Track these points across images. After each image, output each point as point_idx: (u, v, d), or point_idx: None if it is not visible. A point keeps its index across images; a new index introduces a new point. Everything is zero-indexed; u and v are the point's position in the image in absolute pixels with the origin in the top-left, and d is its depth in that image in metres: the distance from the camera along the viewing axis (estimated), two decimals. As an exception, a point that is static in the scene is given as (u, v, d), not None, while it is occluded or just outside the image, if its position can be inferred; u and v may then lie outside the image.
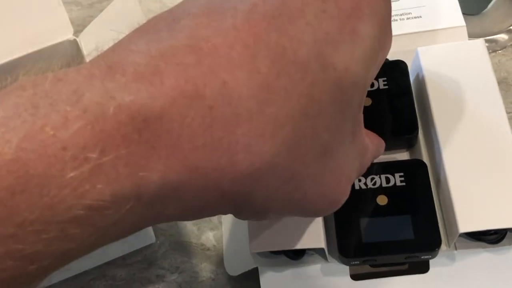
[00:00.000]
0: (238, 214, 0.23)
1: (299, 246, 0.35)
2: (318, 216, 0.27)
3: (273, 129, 0.20)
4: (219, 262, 0.41)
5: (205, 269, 0.41)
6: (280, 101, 0.20)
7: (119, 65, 0.19)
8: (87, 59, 0.39)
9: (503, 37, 0.47)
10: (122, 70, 0.19)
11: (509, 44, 0.47)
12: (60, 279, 0.42)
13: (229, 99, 0.19)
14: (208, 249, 0.42)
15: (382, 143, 0.35)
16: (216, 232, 0.42)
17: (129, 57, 0.19)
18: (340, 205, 0.27)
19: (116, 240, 0.21)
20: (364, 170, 0.30)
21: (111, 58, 0.19)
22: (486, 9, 0.49)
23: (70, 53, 0.43)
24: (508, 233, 0.35)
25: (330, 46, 0.21)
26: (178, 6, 0.21)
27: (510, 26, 0.47)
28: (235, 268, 0.39)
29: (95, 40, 0.41)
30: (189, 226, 0.43)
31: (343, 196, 0.26)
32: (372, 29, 0.23)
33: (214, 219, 0.43)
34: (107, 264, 0.42)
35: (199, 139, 0.19)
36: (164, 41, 0.19)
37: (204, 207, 0.21)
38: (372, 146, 0.31)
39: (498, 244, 0.35)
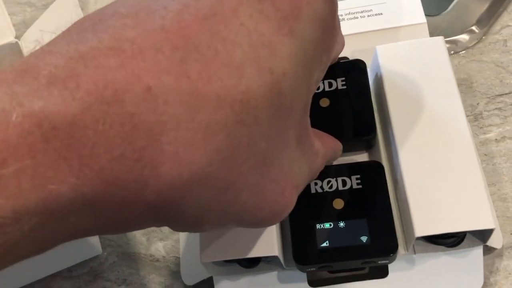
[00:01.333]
0: (171, 226, 0.23)
1: (252, 254, 0.35)
2: (260, 227, 0.25)
3: (204, 137, 0.19)
4: (168, 274, 0.41)
5: (153, 281, 0.41)
6: (211, 107, 0.19)
7: (34, 68, 0.18)
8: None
9: (464, 37, 0.48)
10: (36, 72, 0.18)
11: (470, 45, 0.48)
12: (-2, 293, 0.41)
13: (154, 105, 0.18)
14: (157, 260, 0.41)
15: (338, 145, 0.35)
16: (166, 243, 0.42)
17: (47, 59, 0.18)
18: (285, 215, 0.25)
19: (29, 257, 0.20)
20: (315, 175, 0.30)
21: (28, 61, 0.18)
22: (446, 10, 0.50)
23: (11, 56, 0.43)
24: (468, 235, 0.35)
25: (266, 48, 0.20)
26: (107, 6, 0.20)
27: (471, 27, 0.48)
28: (191, 277, 0.39)
29: (34, 43, 0.41)
30: (138, 237, 0.42)
31: (288, 206, 0.25)
32: (312, 30, 0.22)
33: (165, 229, 0.42)
34: (52, 276, 0.41)
35: (118, 148, 0.18)
36: (87, 43, 0.19)
37: (128, 220, 0.20)
38: (325, 149, 0.30)
39: (457, 247, 0.35)
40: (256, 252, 0.35)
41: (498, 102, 0.44)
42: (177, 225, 0.22)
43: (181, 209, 0.20)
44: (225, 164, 0.20)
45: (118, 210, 0.19)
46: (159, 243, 0.42)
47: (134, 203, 0.19)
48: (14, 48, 0.42)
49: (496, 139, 0.43)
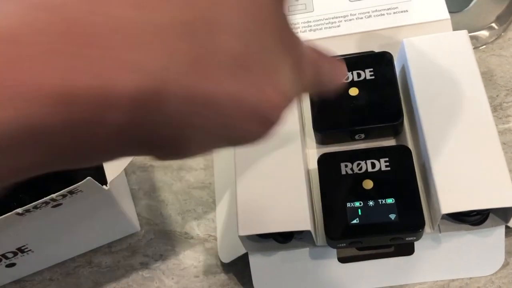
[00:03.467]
0: (151, 153, 0.20)
1: (287, 228, 0.38)
2: (251, 142, 0.22)
3: (167, 41, 0.17)
4: (202, 250, 0.43)
5: (188, 257, 0.43)
6: (175, 7, 0.17)
7: None
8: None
9: (484, 34, 0.51)
10: None
11: (489, 41, 0.50)
12: (45, 266, 0.43)
13: (104, 8, 0.16)
14: (192, 238, 0.44)
15: (335, 62, 0.27)
16: (200, 222, 0.45)
17: None
18: (274, 126, 0.21)
19: None
20: (308, 85, 0.24)
21: None
22: (468, 7, 0.53)
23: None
24: (490, 215, 0.38)
25: None
26: None
27: (491, 23, 0.51)
28: (228, 254, 0.42)
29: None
30: (174, 216, 0.45)
31: (273, 109, 0.21)
32: None
33: (199, 209, 0.45)
34: (93, 251, 0.44)
35: (65, 59, 0.15)
36: None
37: (93, 147, 0.17)
38: (317, 55, 0.25)
39: (481, 225, 0.38)
40: (290, 226, 0.37)
41: (516, 95, 0.47)
42: (156, 150, 0.19)
43: (152, 128, 0.18)
44: (194, 69, 0.18)
45: (78, 135, 0.17)
46: (193, 222, 0.45)
47: (96, 126, 0.17)
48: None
49: (514, 130, 0.45)
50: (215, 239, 0.44)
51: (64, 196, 0.34)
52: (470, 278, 0.39)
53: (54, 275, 0.43)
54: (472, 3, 0.53)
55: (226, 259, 0.42)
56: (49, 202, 0.34)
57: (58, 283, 0.43)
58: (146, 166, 0.48)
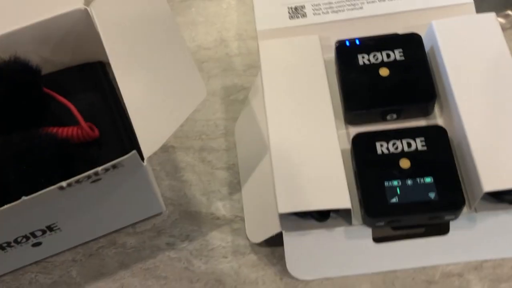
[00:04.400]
0: None
1: (326, 206, 0.37)
2: None
3: None
4: (229, 231, 0.43)
5: (215, 238, 0.43)
6: None
7: None
8: (99, 30, 0.40)
9: (500, 21, 0.51)
10: None
11: (506, 28, 0.51)
12: (68, 246, 0.42)
13: None
14: (218, 218, 0.43)
15: None
16: (225, 203, 0.44)
17: None
18: None
19: None
20: None
21: None
22: (482, -6, 0.54)
23: (81, 23, 0.44)
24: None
25: None
26: None
27: (507, 11, 0.52)
28: (257, 235, 0.41)
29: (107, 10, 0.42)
30: (198, 196, 0.44)
31: None
32: None
33: (224, 189, 0.44)
34: (117, 232, 0.43)
35: None
36: None
37: None
38: None
39: (516, 205, 0.39)
40: (330, 204, 0.37)
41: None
42: None
43: None
44: None
45: None
46: (219, 203, 0.44)
47: None
48: (83, 14, 0.43)
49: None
50: (242, 220, 0.43)
51: (107, 170, 0.33)
52: (503, 258, 0.39)
53: (77, 256, 0.42)
54: (487, -10, 0.54)
55: (256, 240, 0.41)
56: (90, 176, 0.33)
57: (81, 264, 0.42)
58: (167, 146, 0.47)
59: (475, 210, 0.39)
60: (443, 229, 0.39)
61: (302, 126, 0.40)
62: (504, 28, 0.50)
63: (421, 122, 0.42)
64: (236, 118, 0.47)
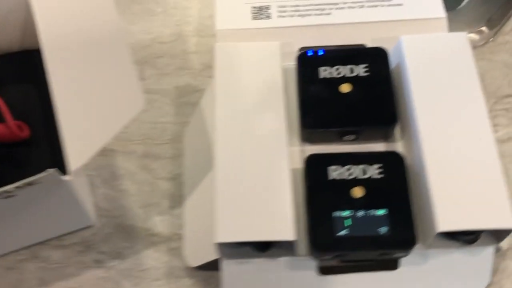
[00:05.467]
0: None
1: (266, 237, 0.34)
2: None
3: None
4: (165, 251, 0.40)
5: (149, 257, 0.40)
6: None
7: None
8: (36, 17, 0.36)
9: (474, 37, 0.49)
10: None
11: (480, 44, 0.49)
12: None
13: None
14: (154, 235, 0.40)
15: None
16: (164, 218, 0.41)
17: None
18: None
19: None
20: None
21: None
22: (458, 7, 0.51)
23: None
24: (483, 233, 0.36)
25: None
26: None
27: (481, 27, 0.49)
28: (195, 258, 0.38)
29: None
30: (135, 209, 0.41)
31: None
32: None
33: (164, 203, 0.41)
34: (41, 244, 0.39)
35: None
36: None
37: None
38: None
39: (472, 244, 0.36)
40: (272, 235, 0.34)
41: (505, 103, 0.45)
42: None
43: None
44: None
45: None
46: (157, 218, 0.41)
47: None
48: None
49: (501, 140, 0.44)
50: (181, 238, 0.40)
51: (19, 187, 0.30)
52: (455, 297, 0.37)
53: (-6, 269, 0.39)
54: (463, 4, 0.51)
55: (194, 263, 0.39)
56: (1, 194, 0.30)
57: (-2, 278, 0.38)
58: (107, 150, 0.43)
59: (428, 247, 0.37)
60: (393, 264, 0.37)
61: (252, 143, 0.37)
62: (476, 45, 0.48)
63: (381, 146, 0.40)
64: (187, 123, 0.44)
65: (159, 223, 0.41)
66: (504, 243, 0.38)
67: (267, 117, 0.38)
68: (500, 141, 0.44)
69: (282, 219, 0.35)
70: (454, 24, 0.50)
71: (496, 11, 0.50)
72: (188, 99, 0.45)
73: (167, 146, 0.43)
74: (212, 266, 0.38)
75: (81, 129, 0.33)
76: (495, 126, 0.44)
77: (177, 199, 0.41)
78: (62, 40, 0.35)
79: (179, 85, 0.46)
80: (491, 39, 0.49)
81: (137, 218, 0.41)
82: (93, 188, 0.42)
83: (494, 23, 0.50)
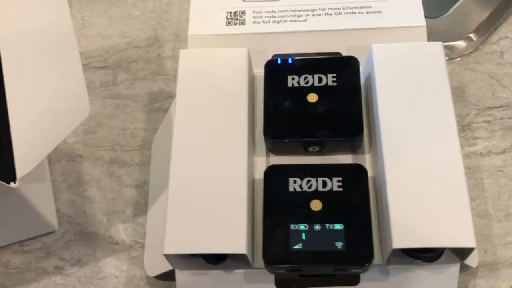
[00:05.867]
0: None
1: (220, 250, 0.34)
2: None
3: None
4: (125, 259, 0.40)
5: (109, 265, 0.39)
6: None
7: None
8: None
9: (461, 44, 0.48)
10: None
11: (466, 53, 0.47)
12: None
13: None
14: (116, 243, 0.40)
15: None
16: (128, 226, 0.41)
17: None
18: None
19: None
20: None
21: None
22: (446, 14, 0.50)
23: None
24: (446, 251, 0.35)
25: None
26: None
27: (469, 34, 0.48)
28: (154, 267, 0.38)
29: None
30: (99, 216, 0.41)
31: None
32: None
33: (128, 210, 0.41)
34: (1, 249, 0.39)
35: None
36: None
37: None
38: None
39: (435, 262, 0.35)
40: (223, 248, 0.34)
41: (487, 115, 0.44)
42: None
43: None
44: None
45: None
46: (120, 225, 0.41)
47: None
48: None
49: (481, 153, 0.43)
50: (143, 247, 0.40)
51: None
52: (417, 317, 0.36)
53: (-48, 273, 0.39)
54: (452, 9, 0.50)
55: (152, 272, 0.38)
56: None
57: (-44, 282, 0.39)
58: (74, 155, 0.43)
59: (389, 263, 0.36)
60: (353, 280, 0.36)
61: (209, 153, 0.36)
62: (463, 54, 0.47)
63: (347, 157, 0.39)
64: (157, 130, 0.44)
65: (122, 231, 0.41)
66: (474, 261, 0.36)
67: (228, 127, 0.37)
68: (479, 155, 0.42)
69: (234, 231, 0.34)
70: (441, 30, 0.49)
71: (485, 19, 0.49)
72: (161, 105, 0.45)
73: (136, 152, 0.43)
74: (170, 277, 0.37)
75: (29, 137, 0.33)
76: (474, 139, 0.43)
77: (141, 207, 0.41)
78: (13, 42, 0.35)
79: (151, 91, 0.46)
80: (480, 46, 0.48)
81: (99, 225, 0.41)
82: (57, 193, 0.42)
83: (483, 31, 0.49)
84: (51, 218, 0.40)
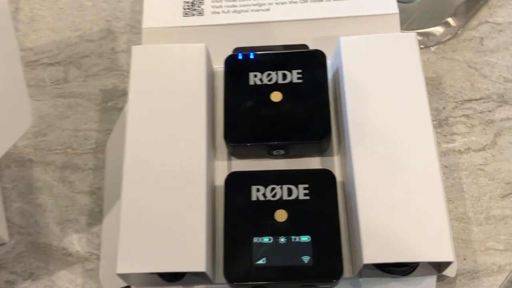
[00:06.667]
0: None
1: (177, 268, 0.32)
2: None
3: None
4: (80, 272, 0.37)
5: (63, 278, 0.37)
6: None
7: None
8: None
9: (438, 30, 0.45)
10: None
11: (443, 40, 0.45)
12: None
13: None
14: (70, 255, 0.38)
15: None
16: (82, 236, 0.38)
17: None
18: None
19: None
20: None
21: None
22: (422, -3, 0.47)
23: None
24: (421, 263, 0.33)
25: None
26: None
27: (447, 18, 0.46)
28: (111, 281, 0.35)
29: None
30: (51, 226, 0.39)
31: None
32: None
33: (82, 219, 0.39)
34: None
35: None
36: None
37: None
38: None
39: (409, 275, 0.34)
40: (180, 266, 0.32)
41: (466, 108, 0.42)
42: None
43: None
44: None
45: None
46: (74, 236, 0.39)
47: None
48: None
49: (459, 150, 0.41)
50: (98, 258, 0.38)
51: None
52: (391, 331, 0.35)
53: None
54: (428, -7, 0.47)
55: (109, 287, 0.36)
56: None
57: None
58: (24, 160, 0.41)
59: (360, 275, 0.34)
60: (323, 294, 0.34)
61: (165, 160, 0.34)
62: (439, 41, 0.45)
63: (316, 160, 0.37)
64: (111, 131, 0.41)
65: (76, 242, 0.38)
66: (452, 270, 0.35)
67: (185, 129, 0.35)
68: (457, 152, 0.40)
69: (192, 246, 0.32)
70: (416, 15, 0.47)
71: (464, 2, 0.47)
72: (115, 104, 0.42)
73: (89, 156, 0.41)
74: (130, 291, 0.35)
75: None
76: (452, 135, 0.41)
77: (96, 216, 0.39)
78: None
79: (105, 88, 0.43)
80: (458, 32, 0.45)
81: (52, 235, 0.38)
82: (8, 202, 0.39)
83: (461, 15, 0.46)
84: (1, 229, 0.37)
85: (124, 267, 0.32)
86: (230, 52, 0.39)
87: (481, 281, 0.36)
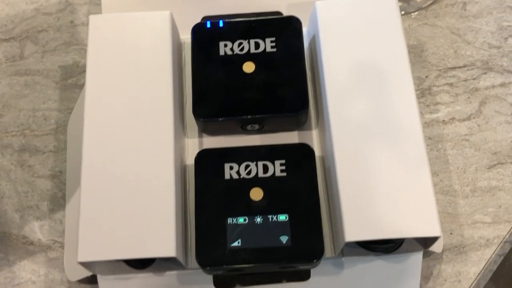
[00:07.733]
0: None
1: (144, 255, 0.30)
2: None
3: None
4: (43, 261, 0.36)
5: (25, 269, 0.35)
6: None
7: None
8: None
9: (400, 4, 0.44)
10: None
11: (424, 6, 0.43)
12: None
13: None
14: (31, 244, 0.36)
15: None
16: (44, 223, 0.36)
17: None
18: None
19: None
20: None
21: None
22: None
23: None
24: (406, 240, 0.32)
25: None
26: None
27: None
28: (76, 270, 0.34)
29: None
30: (10, 213, 0.37)
31: None
32: None
33: (44, 205, 0.37)
34: None
35: None
36: None
37: None
38: None
39: (394, 252, 0.32)
40: (148, 252, 0.30)
41: (450, 77, 0.41)
42: None
43: None
44: None
45: None
46: (35, 223, 0.37)
47: None
48: None
49: (443, 121, 0.39)
50: (62, 246, 0.36)
51: None
52: (376, 311, 0.33)
53: None
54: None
55: (74, 277, 0.34)
56: None
57: None
58: (-22, 144, 0.39)
59: (342, 254, 0.32)
60: (303, 275, 0.33)
61: (130, 138, 0.32)
62: (421, 7, 0.43)
63: (293, 135, 0.35)
64: (72, 110, 0.39)
65: (38, 230, 0.36)
66: (439, 246, 0.33)
67: (150, 105, 0.33)
68: (441, 123, 0.39)
69: (161, 230, 0.30)
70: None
71: (444, -34, 0.45)
72: (76, 81, 0.40)
73: (49, 137, 0.39)
74: (95, 280, 0.33)
75: None
76: (435, 105, 0.40)
77: (58, 201, 0.37)
78: None
79: (64, 64, 0.41)
80: (440, -3, 0.44)
81: (11, 224, 0.37)
82: (-40, 190, 0.37)
83: (442, -20, 0.45)
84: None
85: (86, 255, 0.30)
86: (198, 22, 0.37)
87: (469, 256, 0.35)
